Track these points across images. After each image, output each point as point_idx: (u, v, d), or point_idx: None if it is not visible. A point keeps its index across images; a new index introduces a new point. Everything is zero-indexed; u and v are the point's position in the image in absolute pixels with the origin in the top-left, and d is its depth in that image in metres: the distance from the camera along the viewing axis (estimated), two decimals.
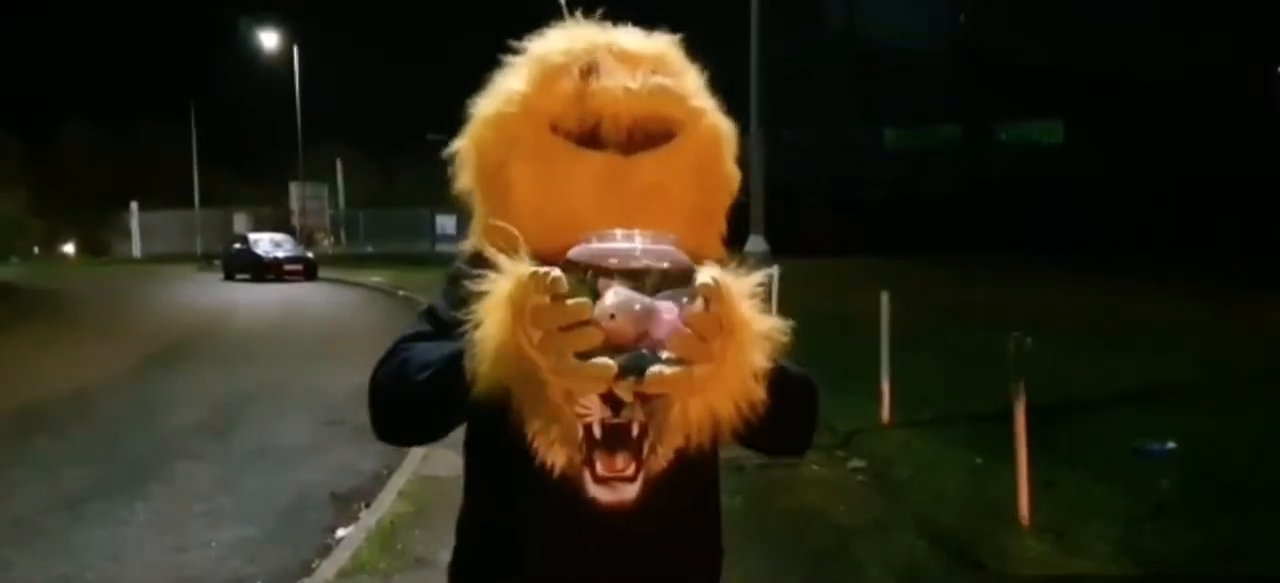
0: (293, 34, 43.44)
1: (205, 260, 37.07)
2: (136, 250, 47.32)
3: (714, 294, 0.94)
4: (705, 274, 0.95)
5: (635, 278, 0.94)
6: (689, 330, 0.93)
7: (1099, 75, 26.05)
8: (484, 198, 1.27)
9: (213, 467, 6.58)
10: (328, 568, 4.51)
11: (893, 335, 6.84)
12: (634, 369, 0.92)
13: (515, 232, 1.04)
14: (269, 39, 43.95)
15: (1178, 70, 24.77)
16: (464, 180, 1.29)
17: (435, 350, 1.12)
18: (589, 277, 0.94)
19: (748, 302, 1.00)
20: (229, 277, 29.45)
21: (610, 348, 0.92)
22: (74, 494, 5.89)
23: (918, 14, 29.21)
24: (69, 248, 55.58)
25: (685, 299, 0.94)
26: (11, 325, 17.41)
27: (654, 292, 0.94)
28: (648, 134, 1.21)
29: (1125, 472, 5.28)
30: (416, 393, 1.12)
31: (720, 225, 1.31)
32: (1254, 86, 25.43)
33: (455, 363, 1.04)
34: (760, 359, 1.01)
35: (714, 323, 0.94)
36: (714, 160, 1.28)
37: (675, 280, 0.95)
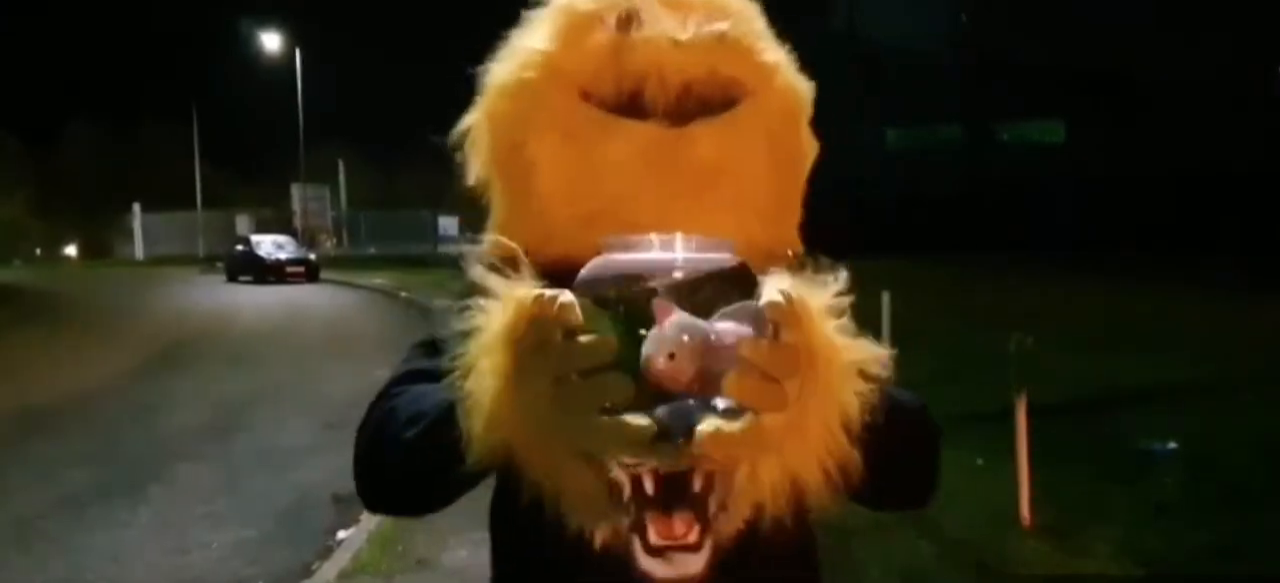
0: (294, 35, 43.61)
1: (208, 262, 37.14)
2: (139, 252, 47.39)
3: (787, 316, 0.69)
4: (772, 288, 0.70)
5: (675, 298, 0.70)
6: (754, 368, 0.68)
7: (1100, 75, 26.06)
8: (504, 188, 1.00)
9: (214, 468, 6.59)
10: (329, 570, 4.51)
11: (893, 335, 6.84)
12: (679, 427, 0.68)
13: (512, 245, 0.83)
14: (270, 40, 44.09)
15: (1178, 70, 24.78)
16: (478, 167, 1.01)
17: (430, 397, 0.86)
18: (616, 298, 0.71)
19: (832, 322, 0.74)
20: (231, 279, 29.51)
21: (646, 398, 0.68)
22: (75, 496, 5.90)
23: (919, 14, 29.23)
24: (71, 250, 55.69)
25: (747, 326, 0.69)
26: (14, 328, 17.43)
27: (702, 315, 0.69)
28: (704, 99, 0.95)
29: (1126, 472, 5.28)
30: (403, 453, 0.88)
31: (796, 214, 1.05)
32: (1254, 87, 25.43)
33: (450, 416, 0.79)
34: (853, 401, 0.75)
35: (789, 357, 0.69)
36: (790, 131, 1.02)
37: (731, 297, 0.71)
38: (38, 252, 53.87)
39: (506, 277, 0.75)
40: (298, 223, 41.08)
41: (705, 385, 0.68)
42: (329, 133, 53.48)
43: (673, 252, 0.74)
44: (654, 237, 0.75)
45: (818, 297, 0.74)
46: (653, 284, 0.72)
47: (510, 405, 0.72)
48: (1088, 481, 5.14)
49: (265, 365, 11.50)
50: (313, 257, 30.60)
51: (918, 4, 29.74)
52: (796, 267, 0.76)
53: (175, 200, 49.27)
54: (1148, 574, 4.12)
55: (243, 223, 42.87)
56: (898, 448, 0.84)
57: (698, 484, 0.79)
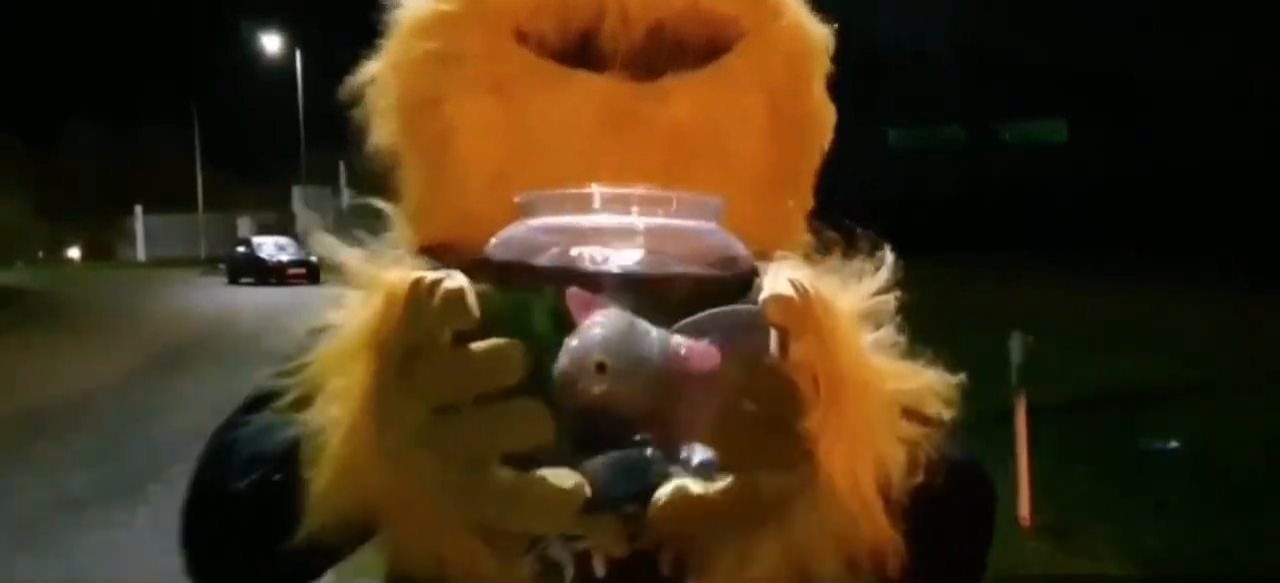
0: (294, 36, 43.68)
1: (209, 264, 37.21)
2: (140, 254, 47.48)
3: (800, 321, 0.46)
4: (778, 277, 0.47)
5: (632, 291, 0.46)
6: (747, 401, 0.45)
7: (1101, 75, 26.11)
8: (416, 160, 0.73)
9: None
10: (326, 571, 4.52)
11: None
12: (626, 488, 0.45)
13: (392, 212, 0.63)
14: (271, 42, 44.17)
15: (1178, 70, 24.81)
16: (384, 131, 0.74)
17: (278, 432, 0.59)
18: (551, 288, 0.46)
19: (864, 333, 0.51)
20: (233, 280, 29.57)
21: (575, 442, 0.44)
22: (75, 498, 5.90)
23: (919, 14, 29.27)
24: (74, 252, 55.77)
25: (736, 335, 0.45)
26: (15, 330, 17.46)
27: (667, 316, 0.46)
28: (681, 42, 0.69)
29: (1126, 472, 5.28)
30: (234, 509, 0.64)
31: (805, 199, 0.76)
32: (1255, 86, 25.46)
33: (297, 457, 0.53)
34: (896, 452, 0.50)
35: (800, 386, 0.46)
36: (798, 87, 0.73)
37: (717, 293, 0.48)
38: (40, 254, 53.94)
39: (375, 255, 0.52)
40: (299, 225, 41.19)
41: (669, 427, 0.45)
42: (330, 134, 53.58)
43: (629, 214, 0.49)
44: (596, 189, 0.50)
45: (846, 294, 0.50)
46: (591, 268, 0.48)
47: (370, 448, 0.48)
48: (1088, 481, 5.14)
49: (265, 367, 11.51)
50: (314, 258, 30.58)
51: (918, 4, 29.77)
52: (813, 252, 0.54)
53: (177, 202, 49.36)
54: (1148, 575, 4.12)
55: (244, 225, 42.95)
56: (949, 521, 0.58)
57: (667, 565, 0.51)
